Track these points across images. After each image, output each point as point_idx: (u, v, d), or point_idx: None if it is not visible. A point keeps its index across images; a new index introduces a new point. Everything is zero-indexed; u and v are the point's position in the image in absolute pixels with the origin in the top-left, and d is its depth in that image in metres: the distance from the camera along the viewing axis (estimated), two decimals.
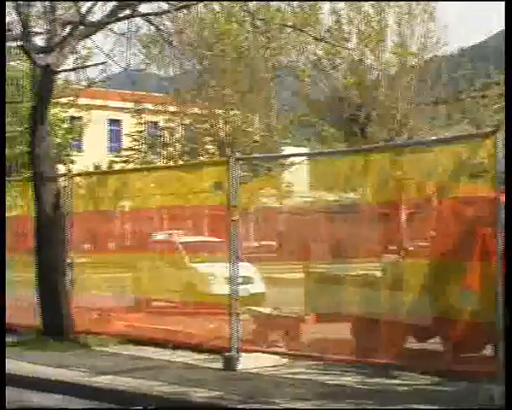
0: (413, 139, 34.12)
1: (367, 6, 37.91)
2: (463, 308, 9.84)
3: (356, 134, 36.94)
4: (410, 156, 11.85)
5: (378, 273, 11.40)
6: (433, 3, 38.72)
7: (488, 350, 9.72)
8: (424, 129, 37.24)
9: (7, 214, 16.61)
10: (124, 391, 10.13)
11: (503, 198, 9.50)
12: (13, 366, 11.87)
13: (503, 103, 36.22)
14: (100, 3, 13.74)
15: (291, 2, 36.14)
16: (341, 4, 37.77)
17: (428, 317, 10.43)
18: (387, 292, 10.89)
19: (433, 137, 23.49)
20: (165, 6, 14.54)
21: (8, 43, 17.79)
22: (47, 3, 13.55)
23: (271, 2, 35.69)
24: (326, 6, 37.49)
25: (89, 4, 13.57)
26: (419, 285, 10.57)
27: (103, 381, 10.64)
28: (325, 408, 8.82)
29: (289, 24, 27.31)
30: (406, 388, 9.78)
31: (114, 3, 13.71)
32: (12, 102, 25.93)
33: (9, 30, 17.01)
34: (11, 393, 10.62)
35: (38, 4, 13.66)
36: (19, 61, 25.40)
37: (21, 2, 13.76)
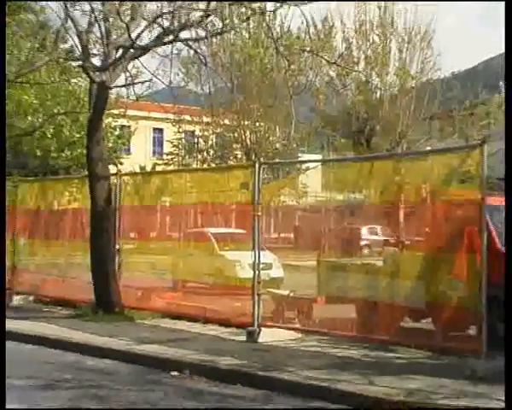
0: (411, 149, 33.97)
1: (373, 35, 37.83)
2: (452, 294, 9.79)
3: (362, 144, 36.84)
4: (408, 164, 11.80)
5: (379, 263, 11.38)
6: (430, 34, 38.52)
7: (472, 330, 9.67)
8: (421, 141, 37.10)
9: (68, 207, 16.79)
10: (162, 358, 10.20)
11: (487, 201, 9.50)
12: (70, 334, 12.02)
13: (488, 120, 35.80)
14: (147, 30, 13.82)
15: (309, 32, 36.14)
16: (351, 33, 37.75)
17: (422, 301, 10.39)
18: (387, 279, 10.85)
19: (428, 148, 23.40)
20: (202, 33, 14.58)
21: (70, 63, 17.97)
22: (103, 30, 13.61)
23: (293, 31, 35.88)
24: (338, 34, 37.56)
25: (138, 31, 13.65)
26: (414, 274, 10.53)
27: (145, 349, 10.72)
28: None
29: (307, 49, 27.27)
30: (402, 360, 9.78)
31: (159, 30, 13.78)
32: (72, 113, 26.10)
33: (71, 52, 17.16)
34: (69, 358, 10.78)
35: (96, 30, 13.74)
36: (79, 78, 25.50)
37: (82, 30, 13.85)
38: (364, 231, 14.28)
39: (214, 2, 13.06)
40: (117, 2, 13.35)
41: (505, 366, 5.89)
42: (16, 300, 16.02)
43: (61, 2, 13.87)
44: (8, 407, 6.42)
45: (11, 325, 13.05)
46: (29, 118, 25.77)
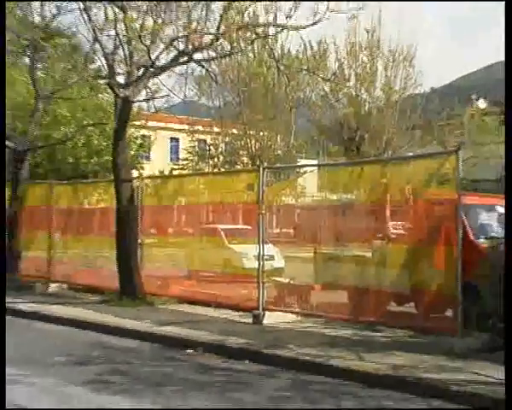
0: (395, 155, 33.89)
1: (362, 56, 37.78)
2: (431, 281, 9.79)
3: (353, 150, 36.72)
4: (393, 168, 11.77)
5: (368, 254, 11.35)
6: (411, 54, 38.44)
7: (449, 313, 9.67)
8: (404, 147, 36.97)
9: (96, 206, 16.81)
10: (179, 338, 10.22)
11: (462, 200, 9.49)
12: (99, 318, 12.05)
13: (463, 130, 35.30)
14: (165, 52, 13.84)
15: (306, 53, 36.19)
16: (343, 54, 37.68)
17: (405, 287, 10.39)
18: (375, 268, 10.84)
19: (411, 154, 23.32)
20: (212, 54, 14.58)
21: (98, 81, 18.01)
22: (127, 52, 13.63)
23: (292, 53, 35.89)
24: (332, 55, 37.55)
25: (157, 53, 13.67)
26: (399, 264, 10.52)
27: (164, 330, 10.75)
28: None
29: (304, 68, 27.35)
30: (388, 339, 9.79)
31: (176, 52, 13.80)
32: (100, 124, 26.15)
33: (99, 71, 17.18)
34: (98, 338, 10.81)
35: (121, 52, 13.76)
36: (106, 94, 25.53)
37: (108, 52, 13.87)
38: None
39: (223, 27, 13.05)
40: (139, 27, 13.36)
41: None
42: (52, 288, 16.07)
43: (90, 28, 13.87)
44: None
45: (49, 309, 13.15)
46: (62, 129, 25.85)
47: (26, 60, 17.55)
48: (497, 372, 7.60)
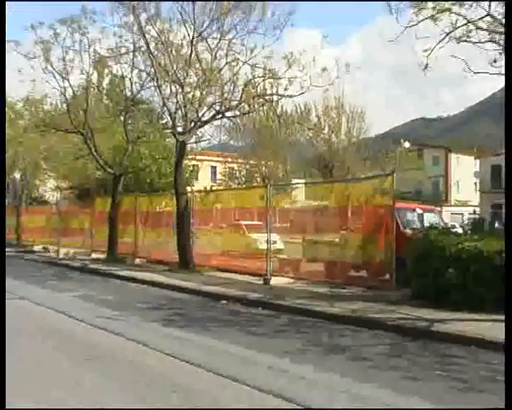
0: (354, 177, 33.74)
1: (332, 113, 37.78)
2: (376, 257, 9.79)
3: (327, 174, 36.64)
4: (352, 185, 11.79)
5: (337, 239, 11.34)
6: (363, 112, 38.58)
7: (387, 276, 9.66)
8: (359, 172, 36.85)
9: (164, 209, 16.85)
10: (216, 293, 10.20)
11: (396, 205, 9.54)
12: (166, 280, 12.07)
13: (396, 161, 35.00)
14: (207, 112, 13.96)
15: (297, 111, 36.14)
16: (320, 112, 37.66)
17: (360, 260, 10.37)
18: (341, 248, 10.81)
19: (363, 176, 23.17)
20: (237, 113, 14.68)
21: (166, 130, 18.15)
22: (183, 112, 13.73)
23: (288, 111, 35.80)
24: (313, 113, 37.54)
25: (202, 112, 13.79)
26: (356, 245, 10.50)
27: (207, 288, 10.73)
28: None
29: (296, 121, 27.39)
30: (349, 294, 9.75)
31: (214, 112, 13.90)
32: (166, 158, 26.25)
33: (166, 124, 17.34)
34: (164, 292, 10.80)
35: (179, 113, 13.89)
36: (170, 139, 25.61)
37: (171, 112, 14.00)
38: None
39: (244, 96, 13.14)
40: (191, 97, 13.47)
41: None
42: (136, 261, 16.13)
43: (161, 98, 14.04)
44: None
45: (134, 274, 13.22)
46: (143, 161, 25.99)
47: (122, 118, 17.78)
48: (416, 312, 7.64)
